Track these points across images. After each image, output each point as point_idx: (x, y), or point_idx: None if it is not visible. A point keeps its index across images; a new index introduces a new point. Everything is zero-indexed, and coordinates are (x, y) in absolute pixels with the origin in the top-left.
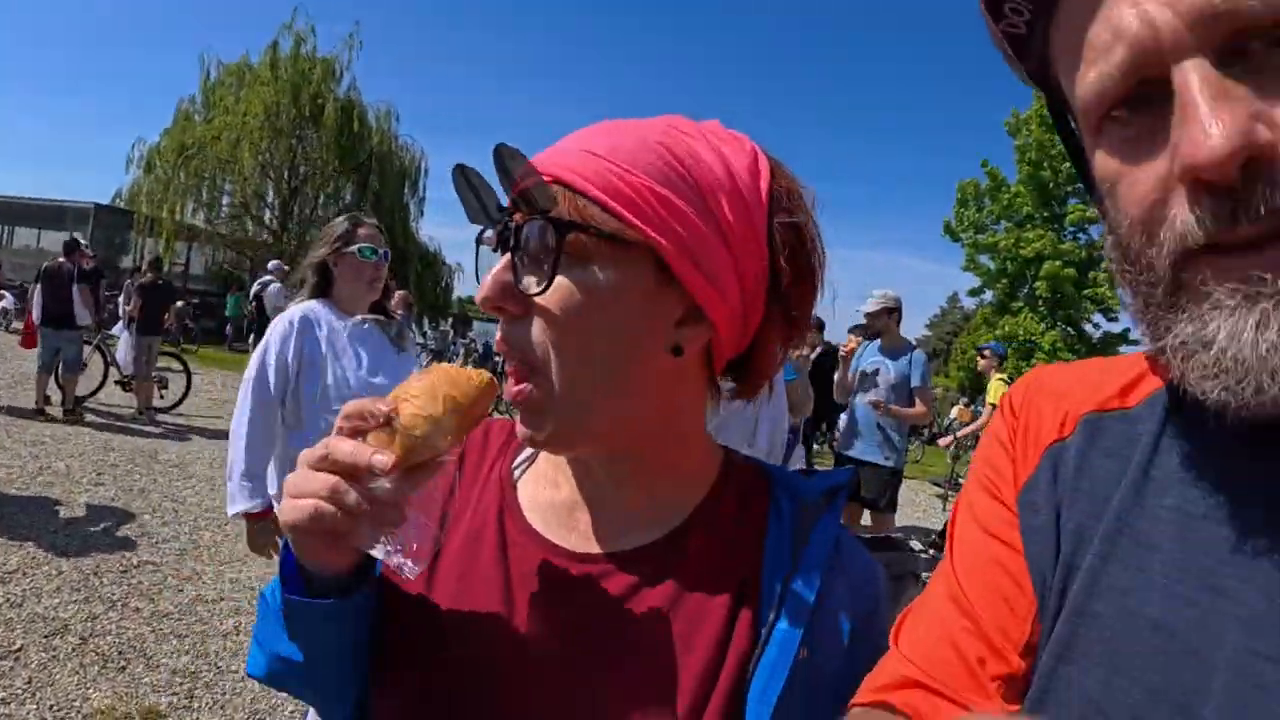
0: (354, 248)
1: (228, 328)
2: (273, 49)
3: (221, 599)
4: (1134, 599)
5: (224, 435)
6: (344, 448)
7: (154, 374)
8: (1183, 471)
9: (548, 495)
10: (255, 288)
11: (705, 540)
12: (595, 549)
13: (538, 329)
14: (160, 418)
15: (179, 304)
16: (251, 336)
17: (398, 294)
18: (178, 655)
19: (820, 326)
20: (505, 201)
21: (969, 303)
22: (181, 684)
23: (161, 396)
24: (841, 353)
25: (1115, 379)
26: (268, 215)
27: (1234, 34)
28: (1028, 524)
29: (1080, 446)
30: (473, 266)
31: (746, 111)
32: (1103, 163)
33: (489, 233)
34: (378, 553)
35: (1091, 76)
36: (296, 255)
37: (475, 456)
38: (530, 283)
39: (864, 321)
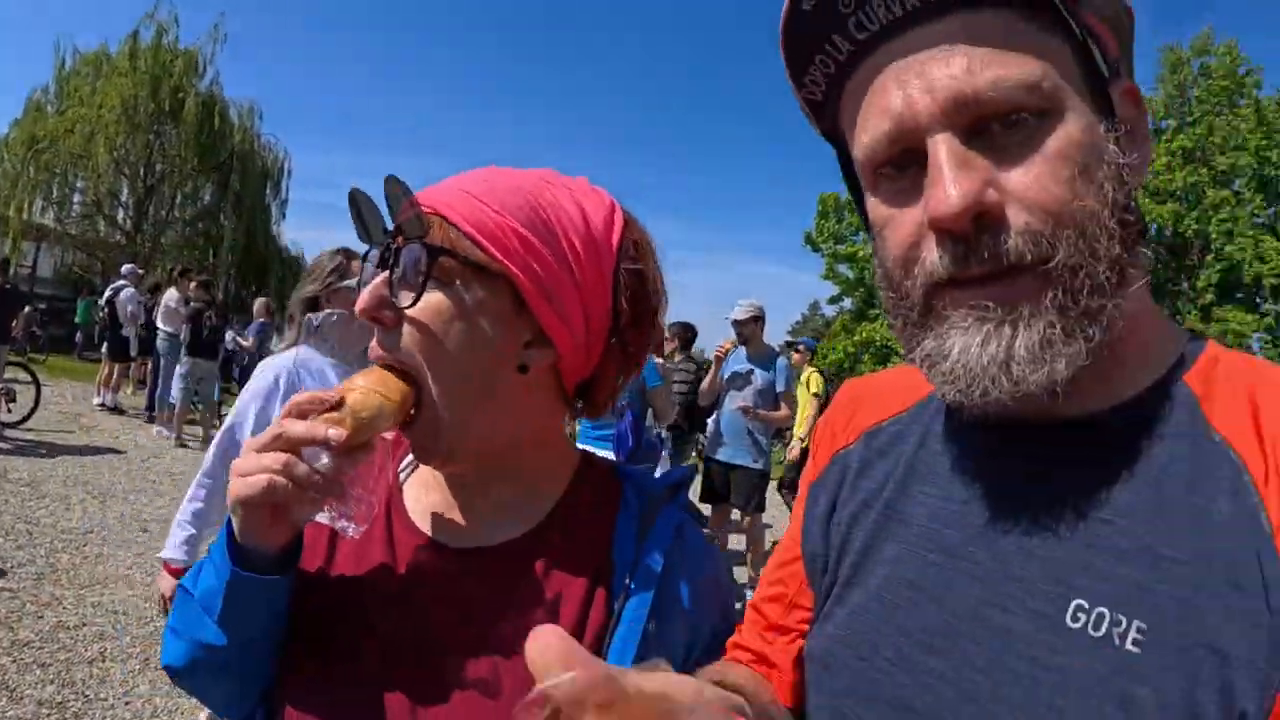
0: (349, 282)
1: (78, 335)
2: (133, 39)
3: (84, 624)
4: (897, 566)
5: (77, 450)
6: (297, 427)
7: (1, 386)
8: (940, 465)
9: (428, 497)
10: (108, 293)
11: (565, 532)
12: (471, 544)
13: (408, 337)
14: (8, 433)
15: (26, 310)
16: (105, 345)
17: (259, 301)
18: (42, 685)
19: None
20: (389, 226)
21: (829, 310)
22: (49, 715)
23: (9, 410)
24: (716, 354)
25: (902, 387)
26: (121, 215)
27: (978, 118)
28: (809, 512)
29: (862, 453)
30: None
31: (610, 114)
32: (875, 209)
33: (373, 252)
34: (323, 517)
35: (865, 140)
36: (151, 258)
37: None
38: (403, 297)
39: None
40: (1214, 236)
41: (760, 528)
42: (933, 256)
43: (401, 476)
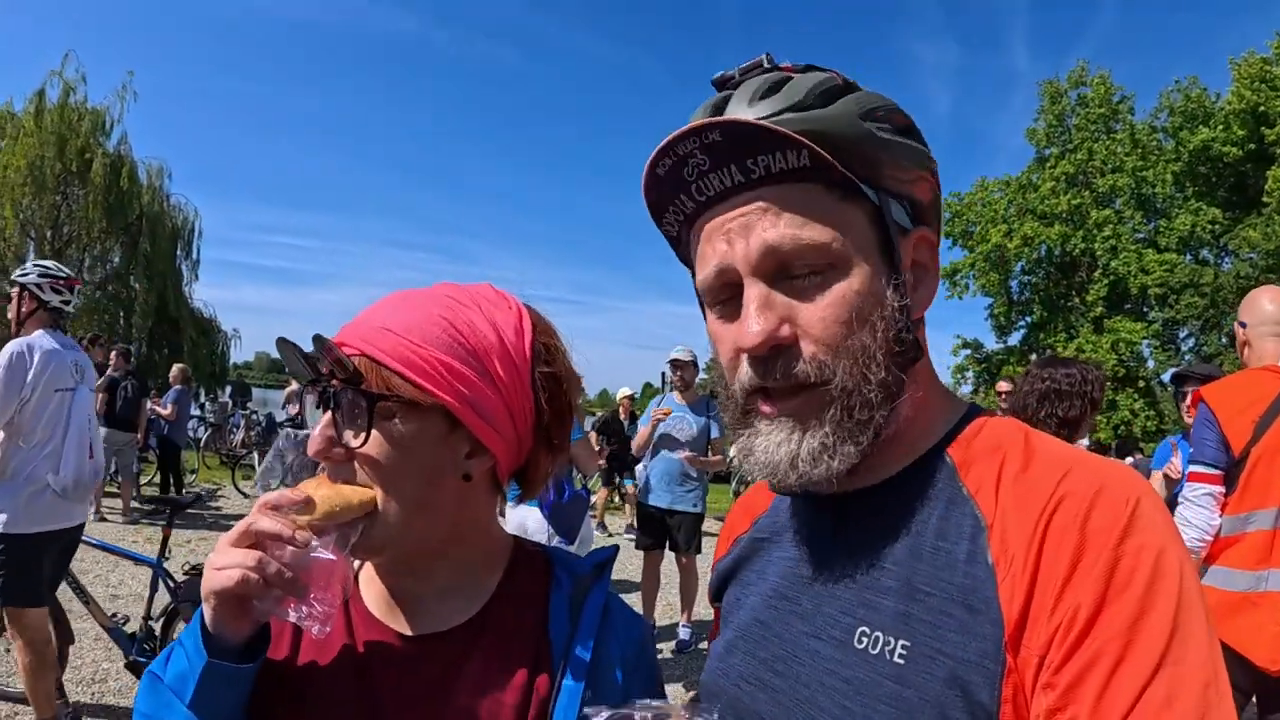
0: None
1: None
2: (39, 97)
3: (16, 716)
4: (754, 611)
5: None
6: (267, 523)
7: None
8: (786, 531)
9: (379, 586)
10: None
11: (506, 614)
12: (424, 629)
13: (360, 472)
14: None
15: None
16: None
17: (175, 367)
18: None
19: None
20: (323, 368)
21: None
22: None
23: None
24: (656, 416)
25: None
26: None
27: (778, 267)
28: (712, 583)
29: (750, 535)
30: (245, 338)
31: (500, 179)
32: (711, 326)
33: (310, 396)
34: (291, 616)
35: (701, 276)
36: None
37: None
38: (349, 436)
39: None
40: (1100, 253)
41: (695, 567)
42: (745, 370)
43: (355, 565)
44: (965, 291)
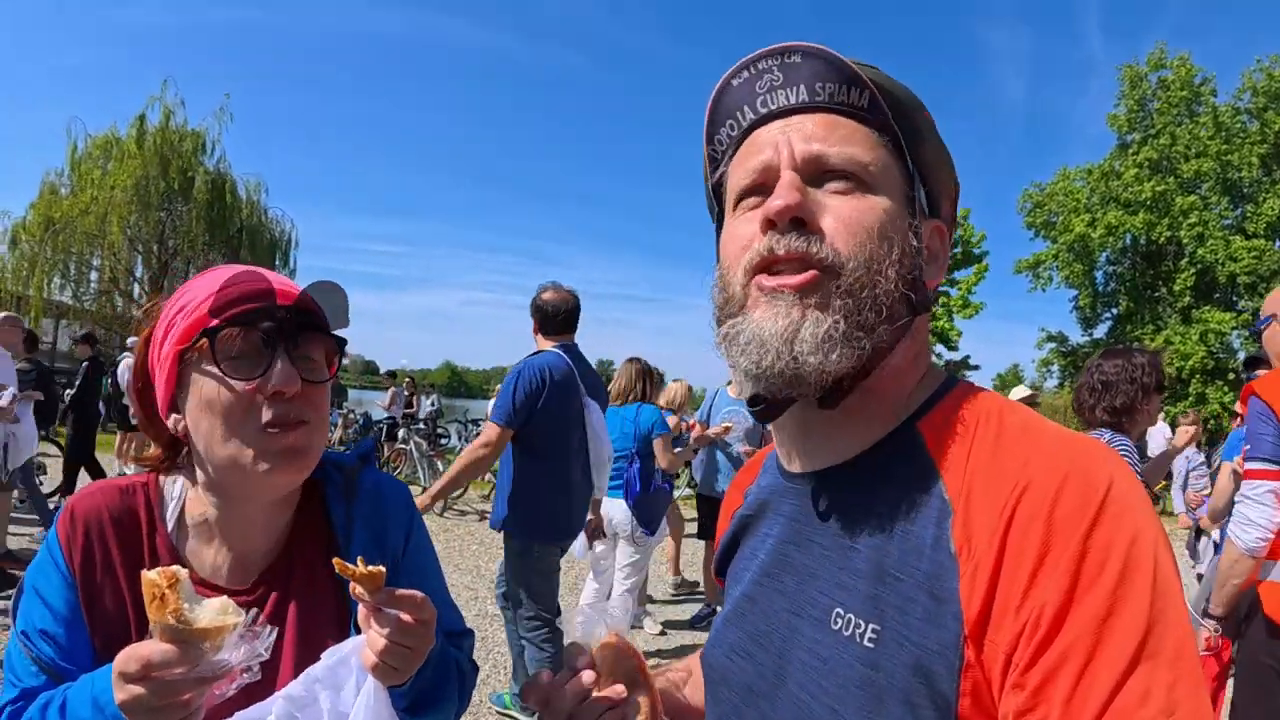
0: None
1: (101, 406)
2: (140, 121)
3: None
4: (742, 586)
5: None
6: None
7: (34, 459)
8: (775, 508)
9: (209, 549)
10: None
11: (305, 529)
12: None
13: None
14: None
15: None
16: (105, 415)
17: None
18: None
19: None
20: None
21: None
22: None
23: (40, 482)
24: (717, 431)
25: (757, 461)
26: (137, 290)
27: (820, 171)
28: (716, 556)
29: (743, 512)
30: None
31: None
32: (729, 228)
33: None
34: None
35: (742, 173)
36: None
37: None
38: None
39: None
40: (1186, 241)
41: None
42: (758, 243)
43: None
44: (1048, 283)
